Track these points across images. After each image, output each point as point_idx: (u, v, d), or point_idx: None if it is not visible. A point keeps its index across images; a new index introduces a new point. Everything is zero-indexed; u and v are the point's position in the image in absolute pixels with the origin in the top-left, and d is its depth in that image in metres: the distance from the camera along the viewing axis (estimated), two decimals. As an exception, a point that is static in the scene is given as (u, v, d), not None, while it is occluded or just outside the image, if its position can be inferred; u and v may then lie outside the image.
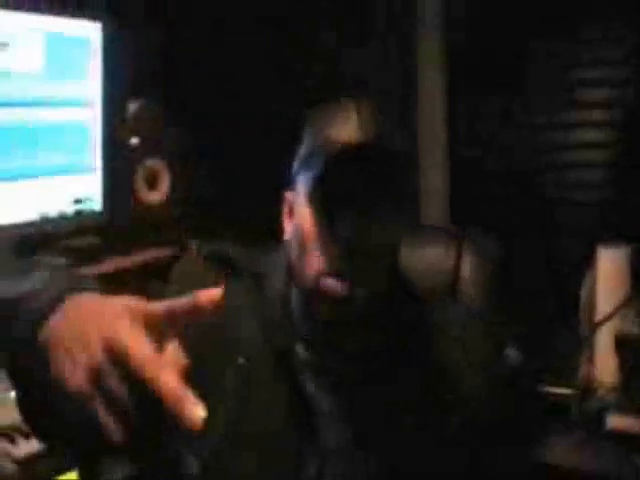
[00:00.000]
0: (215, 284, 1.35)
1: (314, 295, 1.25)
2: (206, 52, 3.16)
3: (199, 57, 3.15)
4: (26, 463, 1.88)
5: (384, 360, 1.31)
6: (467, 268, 1.72)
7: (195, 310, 0.89)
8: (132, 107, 2.67)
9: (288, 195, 1.36)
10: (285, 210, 1.37)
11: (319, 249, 1.23)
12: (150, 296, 1.37)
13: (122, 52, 2.67)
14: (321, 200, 1.23)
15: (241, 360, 1.31)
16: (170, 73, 3.03)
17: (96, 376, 0.84)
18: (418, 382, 1.32)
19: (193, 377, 1.28)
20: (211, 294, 0.88)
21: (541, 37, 2.80)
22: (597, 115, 2.76)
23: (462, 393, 1.34)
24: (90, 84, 2.55)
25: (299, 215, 1.28)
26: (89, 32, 2.53)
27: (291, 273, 1.33)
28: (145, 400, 0.82)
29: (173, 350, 0.89)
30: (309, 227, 1.25)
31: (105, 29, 2.55)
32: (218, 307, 0.88)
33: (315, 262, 1.23)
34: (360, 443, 1.29)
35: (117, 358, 0.83)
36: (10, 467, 1.85)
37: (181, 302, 0.89)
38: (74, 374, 0.85)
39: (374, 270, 1.24)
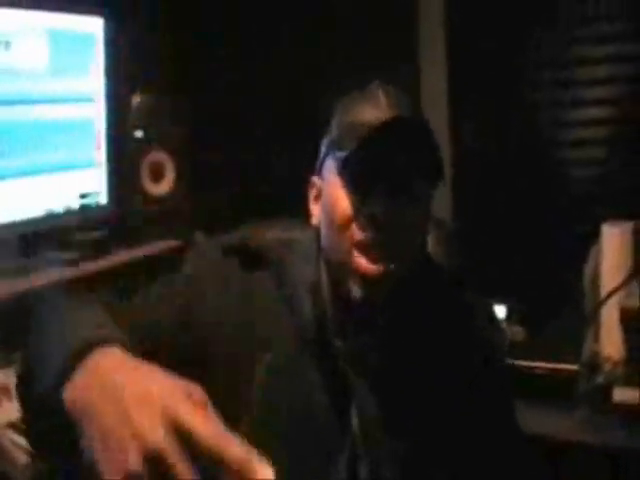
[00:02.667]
0: (236, 277, 1.37)
1: (346, 273, 1.26)
2: (209, 44, 3.18)
3: (202, 49, 3.17)
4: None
5: (414, 338, 1.33)
6: (432, 246, 1.81)
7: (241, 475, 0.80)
8: (135, 100, 2.69)
9: (315, 180, 1.39)
10: (312, 195, 1.40)
11: (351, 226, 1.25)
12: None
13: (124, 46, 2.69)
14: (352, 178, 1.26)
15: (268, 356, 1.32)
16: (173, 65, 3.05)
17: (151, 457, 0.77)
18: (446, 359, 1.34)
19: (226, 373, 1.31)
20: (265, 474, 0.81)
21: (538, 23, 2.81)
22: (598, 92, 2.76)
23: (484, 366, 1.38)
24: (93, 79, 2.57)
25: (329, 196, 1.30)
26: (91, 28, 2.54)
27: (320, 257, 1.36)
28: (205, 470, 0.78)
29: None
30: (341, 204, 1.26)
31: (107, 24, 2.57)
32: None
33: (347, 239, 1.25)
34: (394, 426, 1.30)
35: (180, 438, 0.78)
36: (22, 458, 1.88)
37: (234, 456, 0.80)
38: (119, 458, 0.78)
39: (405, 247, 1.27)
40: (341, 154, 1.27)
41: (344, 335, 1.33)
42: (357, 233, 1.24)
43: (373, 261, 1.23)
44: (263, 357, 1.33)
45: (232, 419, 1.32)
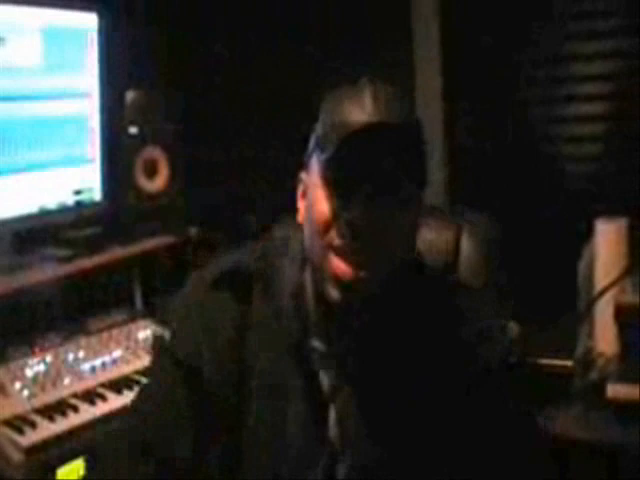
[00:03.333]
0: (228, 309, 1.37)
1: (323, 274, 1.25)
2: (204, 41, 3.18)
3: (197, 45, 3.17)
4: (33, 452, 1.90)
5: (396, 343, 1.32)
6: (465, 248, 1.76)
7: None
8: (130, 97, 2.68)
9: (303, 176, 1.36)
10: (300, 191, 1.37)
11: (329, 230, 1.23)
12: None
13: (119, 42, 2.68)
14: (332, 181, 1.23)
15: (254, 383, 1.33)
16: (167, 61, 3.04)
17: None
18: (431, 364, 1.32)
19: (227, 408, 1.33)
20: None
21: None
22: (592, 88, 2.76)
23: (473, 372, 1.35)
24: (88, 76, 2.56)
25: (312, 196, 1.28)
26: (85, 23, 2.54)
27: (305, 256, 1.34)
28: None
29: None
30: (321, 207, 1.24)
31: (101, 20, 2.56)
32: None
33: (324, 240, 1.24)
34: (374, 430, 1.30)
35: None
36: (17, 456, 1.88)
37: None
38: None
39: (385, 254, 1.24)
40: (322, 155, 1.25)
41: (327, 338, 1.32)
42: (335, 239, 1.23)
43: (350, 264, 1.22)
44: (252, 382, 1.34)
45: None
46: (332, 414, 1.31)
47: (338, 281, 1.23)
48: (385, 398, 1.30)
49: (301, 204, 1.36)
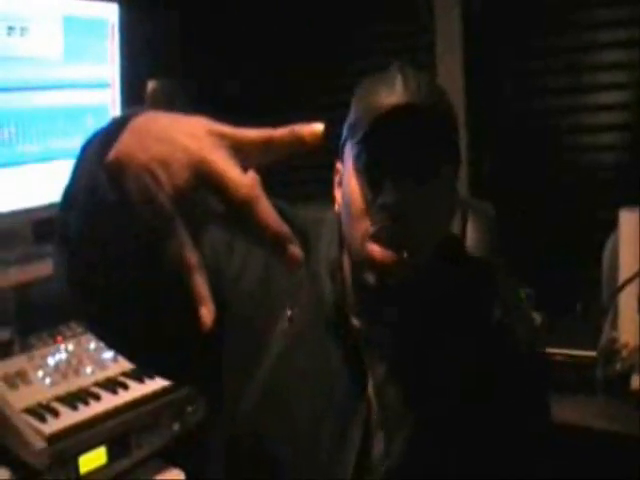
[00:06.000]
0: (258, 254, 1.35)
1: (361, 260, 1.25)
2: (228, 28, 3.17)
3: (221, 33, 3.16)
4: (55, 439, 1.91)
5: (430, 327, 1.32)
6: (472, 232, 1.77)
7: (295, 142, 0.82)
8: (151, 86, 2.68)
9: (338, 165, 1.36)
10: (336, 180, 1.37)
11: (365, 216, 1.23)
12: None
13: (139, 32, 2.68)
14: (365, 166, 1.23)
15: (289, 312, 1.31)
16: (187, 52, 3.04)
17: (180, 200, 0.79)
18: (465, 346, 1.32)
19: (245, 323, 1.30)
20: (314, 128, 0.81)
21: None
22: (615, 77, 2.74)
23: (506, 354, 1.35)
24: (109, 65, 2.56)
25: (346, 184, 1.28)
26: (106, 13, 2.54)
27: (343, 241, 1.34)
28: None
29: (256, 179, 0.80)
30: (356, 194, 1.24)
31: (122, 9, 2.56)
32: (320, 140, 0.81)
33: (361, 228, 1.23)
34: (409, 406, 1.29)
35: (207, 182, 0.79)
36: (40, 443, 1.88)
37: (281, 132, 0.82)
38: (156, 197, 0.79)
39: (422, 236, 1.24)
40: (354, 140, 1.25)
41: (362, 316, 1.33)
42: (371, 226, 1.22)
43: (388, 248, 1.21)
44: (284, 312, 1.31)
45: (249, 368, 1.31)
46: (370, 380, 1.30)
47: (376, 266, 1.22)
48: (420, 374, 1.30)
49: (337, 193, 1.36)
